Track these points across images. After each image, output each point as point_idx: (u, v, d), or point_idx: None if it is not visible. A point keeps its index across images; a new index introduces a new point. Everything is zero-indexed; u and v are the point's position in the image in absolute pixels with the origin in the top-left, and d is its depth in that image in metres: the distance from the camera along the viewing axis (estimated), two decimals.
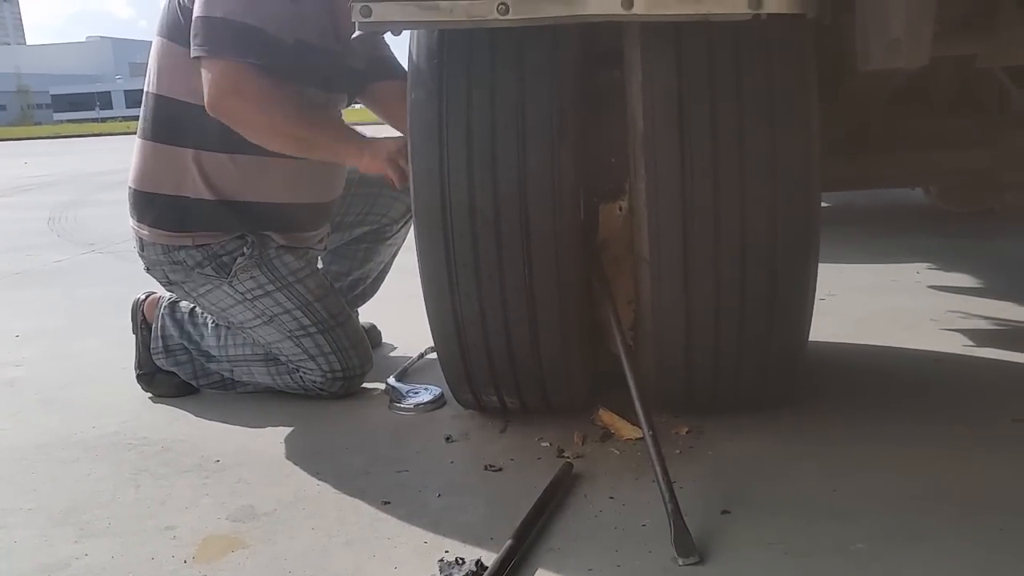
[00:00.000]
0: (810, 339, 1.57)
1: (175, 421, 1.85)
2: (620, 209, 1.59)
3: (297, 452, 1.65)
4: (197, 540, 1.33)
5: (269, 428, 1.77)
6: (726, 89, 1.35)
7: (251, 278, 1.82)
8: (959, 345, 2.03)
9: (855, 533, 1.23)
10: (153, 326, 2.00)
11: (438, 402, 1.83)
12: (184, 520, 1.40)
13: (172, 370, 1.97)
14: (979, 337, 2.09)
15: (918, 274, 2.78)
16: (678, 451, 1.52)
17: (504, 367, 1.57)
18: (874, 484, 1.37)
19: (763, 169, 1.36)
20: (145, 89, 1.87)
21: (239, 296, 1.84)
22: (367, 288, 2.27)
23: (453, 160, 1.43)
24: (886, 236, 3.40)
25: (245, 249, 1.81)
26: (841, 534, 1.23)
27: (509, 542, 1.22)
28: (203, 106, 1.70)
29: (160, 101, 1.82)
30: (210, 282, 1.83)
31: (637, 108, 1.41)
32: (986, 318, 2.24)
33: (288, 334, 1.85)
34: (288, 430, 1.76)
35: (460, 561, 1.21)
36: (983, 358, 1.94)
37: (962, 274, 2.75)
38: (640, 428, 1.43)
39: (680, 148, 1.36)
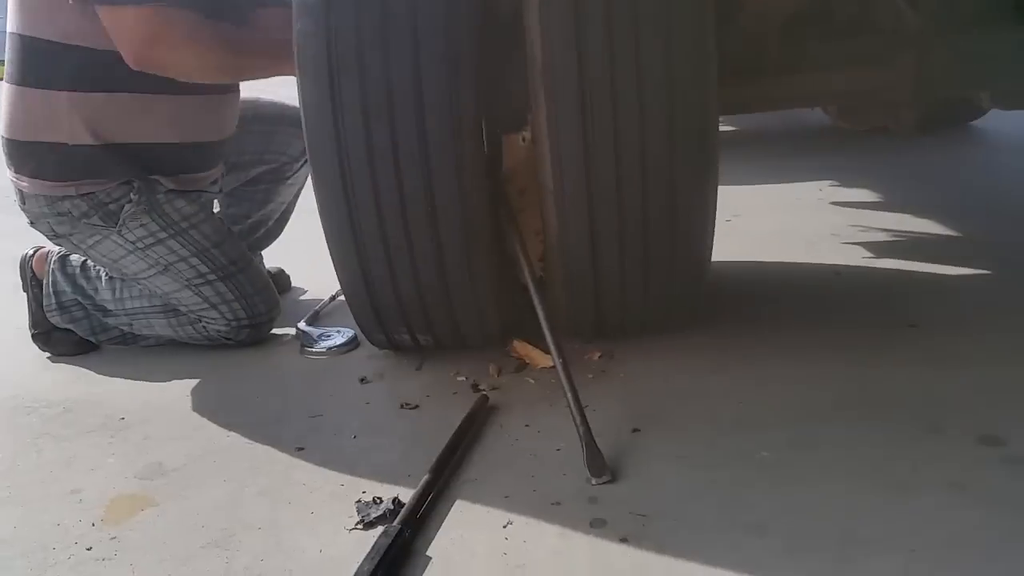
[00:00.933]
0: (716, 259, 1.59)
1: (76, 380, 1.77)
2: (523, 139, 1.57)
3: (205, 404, 1.60)
4: (105, 502, 1.29)
5: (175, 381, 1.72)
6: (623, 11, 1.33)
7: (141, 226, 1.73)
8: (858, 258, 2.10)
9: (760, 443, 1.27)
10: (44, 282, 1.90)
11: (351, 344, 1.80)
12: (90, 482, 1.35)
13: (69, 327, 1.88)
14: (878, 249, 2.16)
15: (820, 191, 2.86)
16: (590, 376, 1.55)
17: (414, 305, 1.55)
18: (778, 395, 1.42)
19: (661, 92, 1.35)
20: (7, 29, 1.72)
21: (130, 246, 1.75)
22: (269, 230, 2.20)
23: (345, 94, 1.37)
24: (789, 157, 3.47)
25: (132, 195, 1.70)
26: (746, 444, 1.27)
27: (426, 477, 1.23)
28: (72, 45, 1.60)
29: (24, 42, 1.67)
30: (98, 232, 1.74)
31: (535, 33, 1.37)
32: (884, 230, 2.33)
33: (186, 283, 1.78)
34: (195, 382, 1.71)
35: (377, 500, 1.21)
36: (881, 269, 2.02)
37: (862, 190, 2.84)
38: (552, 356, 1.44)
39: (578, 74, 1.34)
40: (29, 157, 1.71)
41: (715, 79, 1.39)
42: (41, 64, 1.66)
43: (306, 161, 2.06)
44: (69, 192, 1.69)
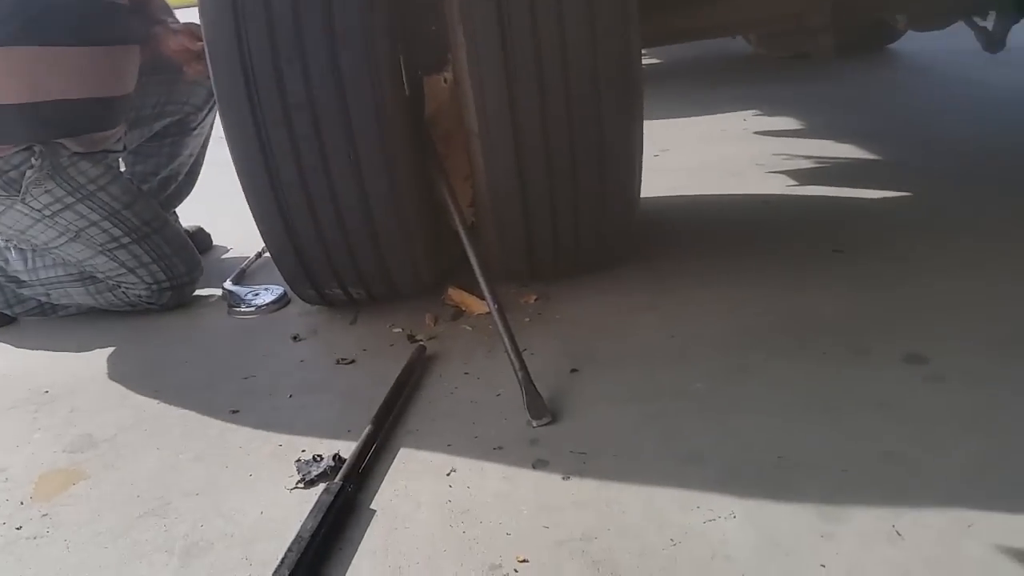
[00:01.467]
0: (645, 195, 1.59)
1: None
2: (445, 80, 1.53)
3: (133, 372, 1.55)
4: (33, 478, 1.25)
5: (99, 351, 1.66)
6: None
7: (46, 192, 1.64)
8: (784, 186, 2.13)
9: (694, 375, 1.29)
10: None
11: (281, 301, 1.76)
12: (16, 459, 1.30)
13: None
14: (802, 176, 2.20)
15: (744, 122, 2.88)
16: (527, 319, 1.54)
17: (342, 258, 1.51)
18: (710, 327, 1.44)
19: (583, 25, 1.32)
20: None
21: (36, 214, 1.66)
22: (180, 186, 2.12)
23: (253, 37, 1.30)
24: (714, 89, 3.49)
25: (33, 160, 1.61)
26: (681, 378, 1.29)
27: (366, 431, 1.21)
28: None
29: None
30: (1, 203, 1.65)
31: None
32: (807, 157, 2.36)
33: (99, 248, 1.71)
34: (120, 350, 1.66)
35: (318, 458, 1.19)
36: (805, 195, 2.05)
37: (785, 118, 2.88)
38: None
39: (497, 11, 1.30)
40: None
41: (636, 10, 1.36)
42: None
43: (210, 109, 2.01)
44: None
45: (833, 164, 2.30)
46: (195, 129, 2.05)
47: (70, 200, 1.66)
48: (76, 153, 1.67)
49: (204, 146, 2.14)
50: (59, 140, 1.65)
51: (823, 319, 1.42)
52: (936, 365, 1.25)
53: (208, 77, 1.38)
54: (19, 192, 1.63)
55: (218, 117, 1.40)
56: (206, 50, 1.34)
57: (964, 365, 1.23)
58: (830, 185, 2.09)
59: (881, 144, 2.42)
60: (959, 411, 1.13)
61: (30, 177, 1.62)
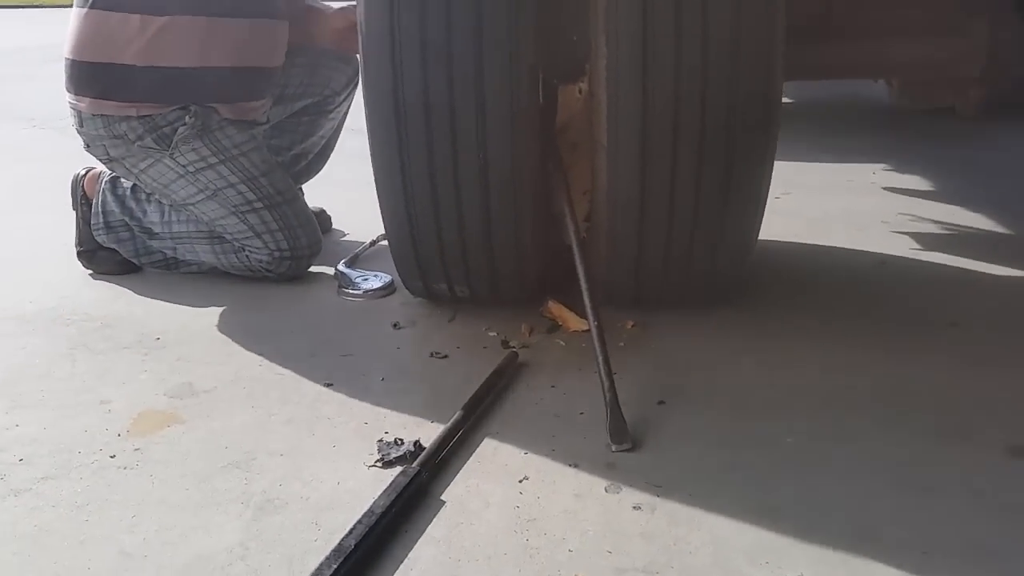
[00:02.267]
0: (761, 238, 1.57)
1: (116, 299, 1.81)
2: (580, 91, 1.54)
3: (240, 333, 1.63)
4: (133, 414, 1.33)
5: (213, 308, 1.75)
6: None
7: (193, 150, 1.76)
8: (906, 248, 2.05)
9: (785, 428, 1.26)
10: (93, 202, 1.93)
11: (388, 289, 1.82)
12: (120, 395, 1.39)
13: (113, 247, 1.92)
14: (925, 241, 2.11)
15: (874, 175, 2.79)
16: (622, 344, 1.54)
17: (455, 255, 1.54)
18: (809, 381, 1.40)
19: (726, 53, 1.31)
20: None
21: (181, 169, 1.78)
22: (310, 164, 2.22)
23: (405, 37, 1.36)
24: (846, 136, 3.38)
25: (187, 119, 1.74)
26: (771, 428, 1.26)
27: (449, 424, 1.24)
28: None
29: None
30: (151, 156, 1.77)
31: None
32: (935, 222, 2.26)
33: (233, 209, 1.81)
34: (233, 311, 1.74)
35: (399, 441, 1.22)
36: (928, 262, 1.97)
37: (917, 176, 2.76)
38: (587, 320, 1.43)
39: (643, 27, 1.31)
40: (94, 79, 1.75)
41: (782, 41, 1.34)
42: None
43: (348, 95, 2.13)
44: (129, 113, 1.74)
45: (961, 232, 2.19)
46: (331, 112, 2.15)
47: (213, 160, 1.78)
48: (226, 119, 1.80)
49: (337, 131, 2.24)
50: (213, 104, 1.78)
51: (927, 394, 1.36)
52: None
53: (352, 61, 1.45)
54: (169, 147, 1.76)
55: (362, 105, 1.46)
56: (359, 36, 1.40)
57: None
58: (955, 254, 2.00)
59: (1015, 218, 2.29)
60: None
61: (181, 134, 1.74)
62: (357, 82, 2.10)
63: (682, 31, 1.30)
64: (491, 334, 1.60)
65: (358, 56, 1.46)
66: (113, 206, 1.91)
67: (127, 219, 1.90)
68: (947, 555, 0.99)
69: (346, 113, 2.22)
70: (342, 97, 2.14)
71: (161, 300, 1.79)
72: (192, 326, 1.66)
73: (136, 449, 1.23)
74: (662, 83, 1.32)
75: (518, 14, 1.35)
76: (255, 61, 1.85)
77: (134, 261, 1.93)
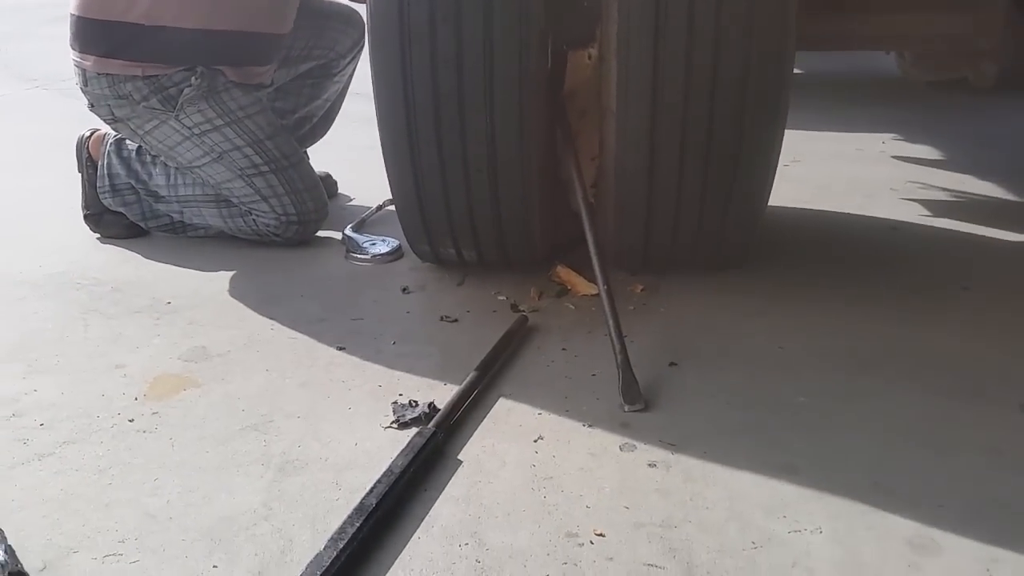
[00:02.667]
0: (771, 203, 1.56)
1: (125, 262, 1.81)
2: (589, 57, 1.53)
3: (251, 297, 1.63)
4: (148, 378, 1.33)
5: (223, 272, 1.75)
6: None
7: (198, 111, 1.75)
8: (916, 214, 2.05)
9: (798, 388, 1.27)
10: (99, 164, 1.92)
11: (395, 254, 1.81)
12: (135, 359, 1.39)
13: (120, 210, 1.91)
14: (936, 207, 2.10)
15: (883, 144, 2.77)
16: (632, 307, 1.54)
17: (463, 220, 1.54)
18: (820, 343, 1.40)
19: (739, 20, 1.30)
20: None
21: (186, 131, 1.76)
22: (314, 127, 2.21)
23: None
24: (855, 106, 3.36)
25: (193, 79, 1.72)
26: (784, 389, 1.27)
27: (462, 386, 1.24)
28: None
29: None
30: (156, 117, 1.75)
31: None
32: (944, 189, 2.26)
33: (239, 172, 1.80)
34: (242, 275, 1.74)
35: (413, 403, 1.23)
36: (938, 228, 1.97)
37: (926, 146, 2.75)
38: (596, 284, 1.43)
39: None
40: (100, 36, 1.72)
41: (795, 9, 1.33)
42: None
43: (353, 58, 2.11)
44: (135, 72, 1.72)
45: (971, 199, 2.19)
46: (336, 75, 2.13)
47: (219, 123, 1.77)
48: (231, 81, 1.78)
49: (342, 94, 2.22)
50: (219, 67, 1.76)
51: (940, 355, 1.36)
52: None
53: (359, 23, 1.43)
54: (174, 108, 1.74)
55: (369, 67, 1.45)
56: (367, 2, 1.38)
57: None
58: (965, 221, 1.99)
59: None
60: None
61: (187, 95, 1.73)
62: (363, 44, 2.08)
63: (695, 1, 1.29)
64: (500, 298, 1.60)
65: (364, 16, 1.44)
66: (119, 169, 1.90)
67: (133, 182, 1.89)
68: (963, 510, 1.01)
69: (351, 76, 2.20)
70: (347, 60, 2.12)
71: (170, 264, 1.79)
72: (202, 290, 1.66)
73: (154, 413, 1.24)
74: (674, 49, 1.32)
75: None
76: (264, 27, 1.83)
77: (141, 225, 1.92)
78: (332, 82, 2.14)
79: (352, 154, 2.42)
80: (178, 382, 1.32)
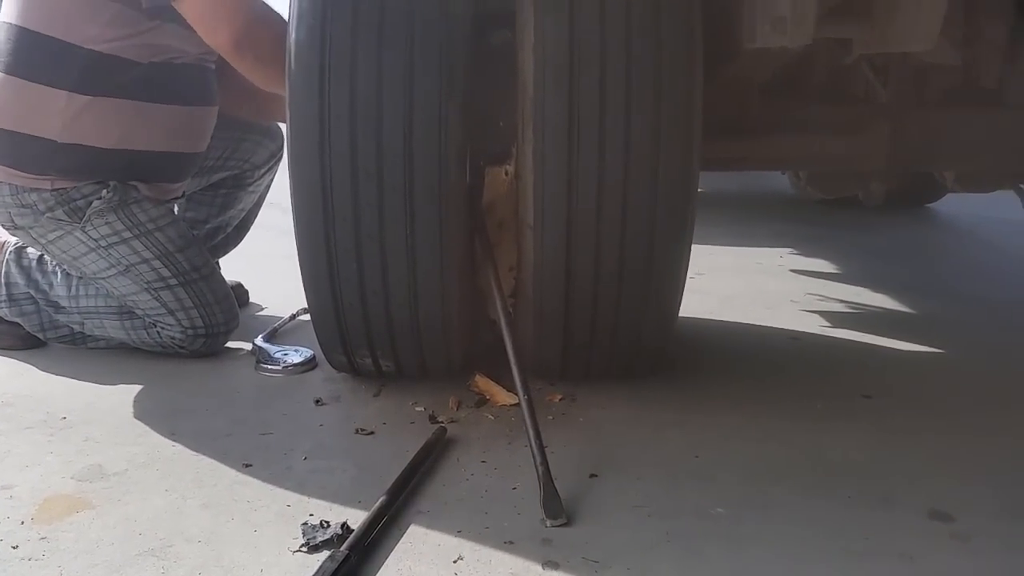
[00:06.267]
0: (680, 315, 1.61)
1: (19, 375, 1.71)
2: (506, 173, 1.57)
3: (152, 411, 1.55)
4: (38, 500, 1.24)
5: (122, 385, 1.67)
6: (616, 59, 1.35)
7: (106, 223, 1.70)
8: (816, 325, 2.14)
9: (715, 498, 1.27)
10: None
11: (308, 364, 1.77)
12: (24, 479, 1.29)
13: (17, 320, 1.82)
14: (835, 318, 2.20)
15: (781, 258, 2.92)
16: (551, 417, 1.53)
17: (381, 329, 1.52)
18: (734, 452, 1.42)
19: (648, 141, 1.37)
20: (4, 20, 1.69)
21: (92, 243, 1.71)
22: (227, 238, 2.17)
23: (335, 106, 1.36)
24: (753, 223, 3.55)
25: (104, 193, 1.68)
26: (702, 498, 1.27)
27: (377, 504, 1.19)
28: (84, 48, 1.61)
29: (29, 36, 1.64)
30: (61, 227, 1.69)
31: (527, 72, 1.39)
32: (841, 301, 2.38)
33: (146, 286, 1.74)
34: (142, 388, 1.66)
35: (325, 524, 1.17)
36: (837, 338, 2.06)
37: (821, 260, 2.91)
38: (515, 394, 1.43)
39: (568, 115, 1.35)
40: (9, 148, 1.67)
41: (700, 131, 1.41)
42: (46, 61, 1.64)
43: (268, 169, 2.11)
44: (43, 186, 1.66)
45: (866, 311, 2.31)
46: (250, 186, 2.12)
47: (127, 235, 1.71)
48: (144, 195, 1.75)
49: (258, 204, 2.20)
50: (133, 183, 1.73)
51: (847, 462, 1.40)
52: (962, 524, 1.22)
53: (277, 136, 1.44)
54: (81, 220, 1.68)
55: (287, 177, 1.45)
56: (287, 109, 1.39)
57: (991, 528, 1.21)
58: (862, 331, 2.09)
59: (917, 297, 2.43)
60: (984, 574, 1.10)
61: (96, 207, 1.68)
62: (280, 156, 2.09)
63: (605, 125, 1.35)
64: (418, 409, 1.57)
65: (283, 129, 1.45)
66: (17, 278, 1.81)
67: (32, 291, 1.81)
68: None
69: (268, 187, 2.20)
70: (263, 171, 2.11)
71: (67, 377, 1.70)
72: (100, 404, 1.57)
73: (42, 538, 1.14)
74: (586, 169, 1.37)
75: (448, 96, 1.38)
76: (182, 147, 1.81)
77: (38, 335, 1.83)
78: (246, 192, 2.13)
79: (265, 262, 2.39)
80: (71, 503, 1.23)
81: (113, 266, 1.73)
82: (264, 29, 1.60)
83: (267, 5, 1.66)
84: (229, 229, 2.15)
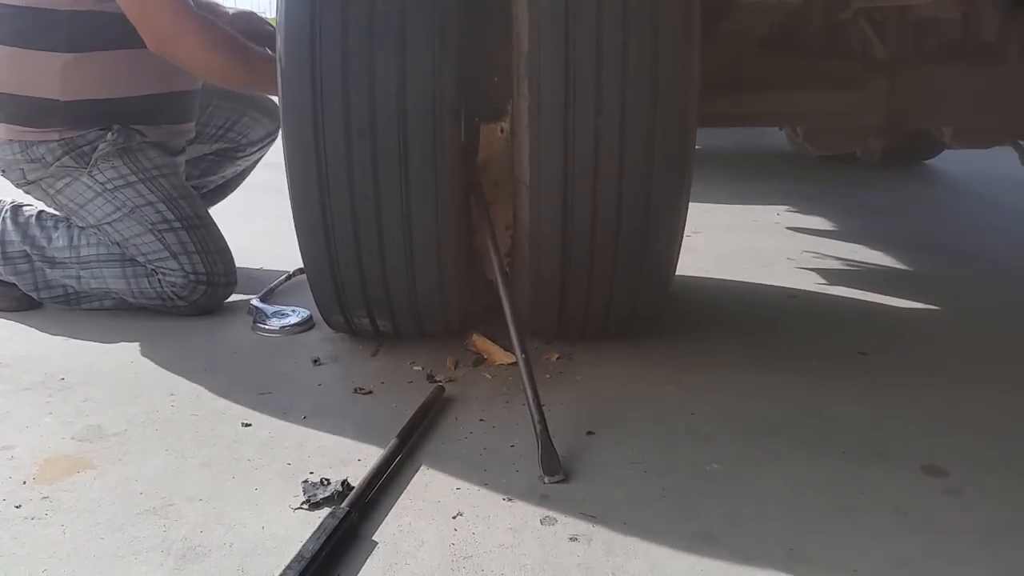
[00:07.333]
0: (676, 273, 1.60)
1: (15, 337, 1.71)
2: (502, 131, 1.56)
3: (151, 371, 1.56)
4: (38, 460, 1.24)
5: (120, 344, 1.67)
6: (613, 12, 1.33)
7: (112, 167, 1.75)
8: (812, 283, 2.14)
9: (711, 454, 1.28)
10: None
11: (306, 324, 1.77)
12: (24, 439, 1.30)
13: (11, 280, 1.82)
14: (831, 276, 2.21)
15: (778, 216, 2.91)
16: (548, 376, 1.54)
17: (377, 290, 1.52)
18: (730, 408, 1.43)
19: (645, 97, 1.36)
20: None
21: (99, 187, 1.75)
22: (205, 195, 2.19)
23: (327, 68, 1.35)
24: (750, 180, 3.53)
25: (109, 136, 1.73)
26: (698, 454, 1.28)
27: (376, 462, 1.21)
28: (73, 11, 1.68)
29: (17, 11, 1.70)
30: (69, 174, 1.74)
31: (522, 27, 1.37)
32: (838, 258, 2.38)
33: (150, 227, 1.77)
34: (140, 348, 1.66)
35: (325, 482, 1.18)
36: (833, 295, 2.06)
37: (818, 217, 2.90)
38: (512, 354, 1.43)
39: (564, 71, 1.34)
40: (12, 109, 1.73)
41: (697, 87, 1.39)
42: (36, 29, 1.70)
43: (260, 148, 2.17)
44: (51, 137, 1.72)
45: (863, 268, 2.31)
46: (238, 160, 2.16)
47: (133, 179, 1.76)
48: (147, 141, 1.80)
49: (241, 175, 2.25)
50: (137, 127, 1.78)
51: (842, 418, 1.41)
52: (955, 479, 1.23)
53: (276, 117, 1.44)
54: (87, 165, 1.74)
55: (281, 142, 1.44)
56: (278, 62, 1.38)
57: (984, 482, 1.22)
58: (859, 288, 2.10)
59: (913, 255, 2.43)
60: (976, 527, 1.12)
61: (101, 151, 1.73)
62: (274, 138, 2.13)
63: (602, 80, 1.33)
64: (416, 368, 1.57)
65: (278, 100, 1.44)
66: (13, 235, 1.81)
67: (28, 248, 1.81)
68: (876, 571, 1.03)
69: (254, 163, 2.24)
70: (255, 148, 2.16)
71: (64, 337, 1.70)
72: (98, 365, 1.57)
73: (44, 498, 1.15)
74: (583, 125, 1.36)
75: (441, 54, 1.36)
76: (180, 85, 1.85)
77: (33, 295, 1.83)
78: (232, 164, 2.17)
79: (261, 223, 2.38)
80: (71, 464, 1.24)
81: (119, 208, 1.76)
82: (190, 47, 1.69)
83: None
84: (204, 191, 2.16)
